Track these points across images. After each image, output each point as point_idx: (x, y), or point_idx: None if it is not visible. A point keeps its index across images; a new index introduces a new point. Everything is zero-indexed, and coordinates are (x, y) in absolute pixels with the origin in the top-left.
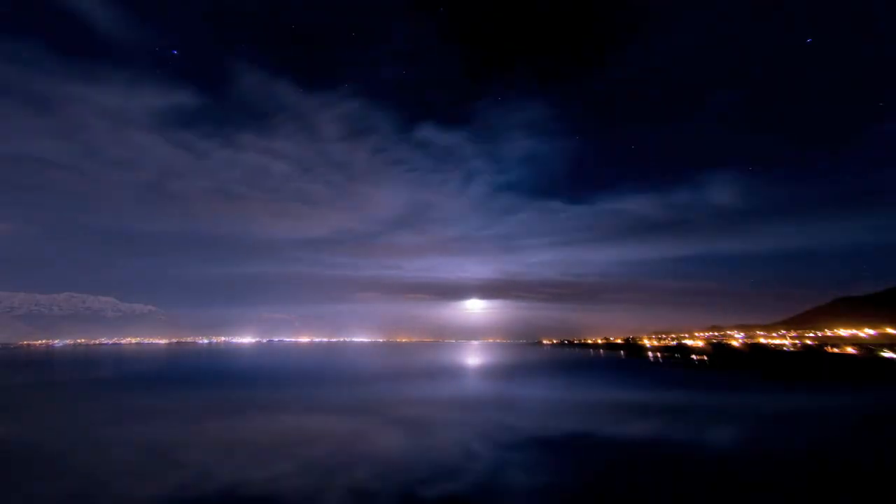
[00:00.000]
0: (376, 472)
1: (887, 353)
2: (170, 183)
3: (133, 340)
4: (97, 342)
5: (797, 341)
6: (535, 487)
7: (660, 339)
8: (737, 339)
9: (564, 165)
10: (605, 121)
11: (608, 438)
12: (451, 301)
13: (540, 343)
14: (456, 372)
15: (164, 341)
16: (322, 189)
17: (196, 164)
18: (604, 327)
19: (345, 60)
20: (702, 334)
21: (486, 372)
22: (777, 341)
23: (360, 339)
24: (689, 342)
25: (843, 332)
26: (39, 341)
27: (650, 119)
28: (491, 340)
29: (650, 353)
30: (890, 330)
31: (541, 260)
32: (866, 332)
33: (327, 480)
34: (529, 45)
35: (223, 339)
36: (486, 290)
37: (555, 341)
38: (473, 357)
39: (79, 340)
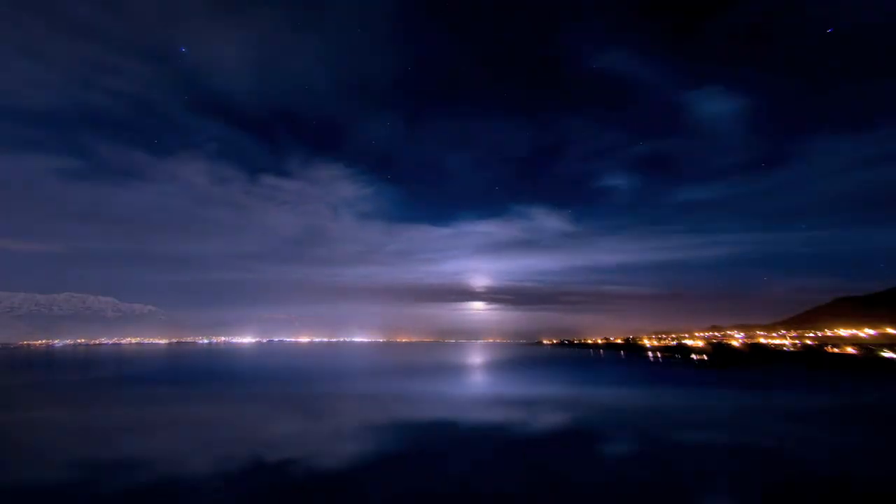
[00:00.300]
0: (250, 444)
1: (887, 353)
2: (104, 209)
3: (133, 340)
4: (97, 342)
5: (797, 341)
6: (359, 452)
7: (660, 338)
8: (737, 339)
9: (394, 202)
10: (392, 171)
11: (460, 423)
12: (452, 302)
13: (540, 343)
14: (415, 371)
15: (164, 341)
16: (225, 215)
17: (111, 199)
18: (606, 328)
19: (172, 141)
20: (702, 334)
21: (442, 370)
22: (777, 341)
23: (360, 339)
24: (689, 342)
25: (843, 332)
26: (39, 341)
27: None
28: (491, 340)
29: (650, 353)
30: (890, 330)
31: (460, 269)
32: (866, 332)
33: (204, 450)
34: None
35: (223, 339)
36: (439, 293)
37: (555, 341)
38: (454, 357)
39: (79, 340)
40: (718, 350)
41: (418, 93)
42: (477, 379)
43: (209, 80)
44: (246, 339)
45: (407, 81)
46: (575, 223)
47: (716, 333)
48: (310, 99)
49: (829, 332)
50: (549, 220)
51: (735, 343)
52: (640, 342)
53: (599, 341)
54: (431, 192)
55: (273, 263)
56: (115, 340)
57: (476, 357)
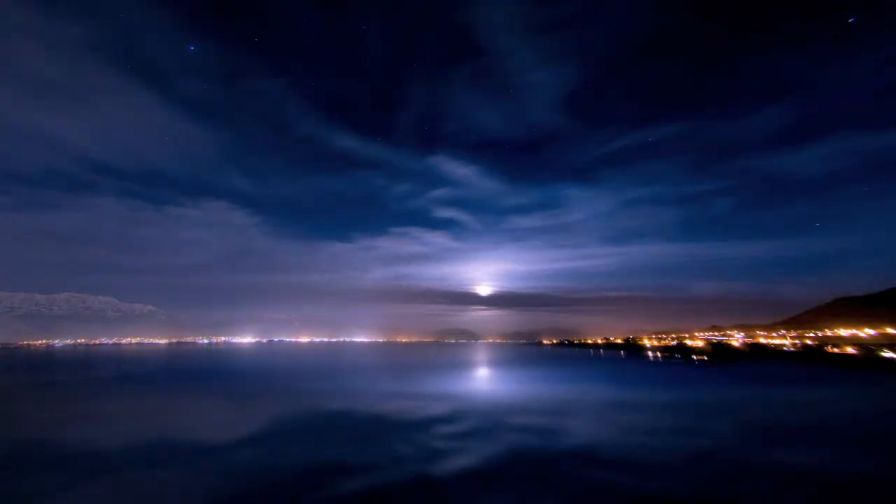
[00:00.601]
0: (173, 427)
1: (887, 353)
2: (43, 230)
3: (133, 340)
4: (97, 342)
5: (797, 341)
6: (251, 432)
7: (660, 339)
8: (737, 339)
9: (284, 226)
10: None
11: (355, 413)
12: (454, 304)
13: (540, 343)
14: (378, 370)
15: (164, 341)
16: (159, 235)
17: (43, 223)
18: (607, 328)
19: (77, 186)
20: (702, 334)
21: (403, 369)
22: (777, 341)
23: (360, 339)
24: (689, 342)
25: (843, 332)
26: (39, 341)
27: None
28: (491, 340)
29: (650, 353)
30: (890, 330)
31: (390, 275)
32: (866, 332)
33: (132, 431)
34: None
35: (223, 339)
36: (380, 294)
37: (555, 341)
38: (436, 357)
39: (79, 340)
40: (718, 350)
41: (245, 162)
42: (417, 377)
43: (92, 150)
44: (246, 339)
45: (230, 155)
46: (458, 241)
47: (716, 333)
48: (172, 164)
49: (829, 332)
50: (435, 238)
51: (735, 343)
52: (640, 342)
53: (599, 341)
54: (307, 219)
55: (218, 272)
56: (115, 340)
57: (457, 357)
